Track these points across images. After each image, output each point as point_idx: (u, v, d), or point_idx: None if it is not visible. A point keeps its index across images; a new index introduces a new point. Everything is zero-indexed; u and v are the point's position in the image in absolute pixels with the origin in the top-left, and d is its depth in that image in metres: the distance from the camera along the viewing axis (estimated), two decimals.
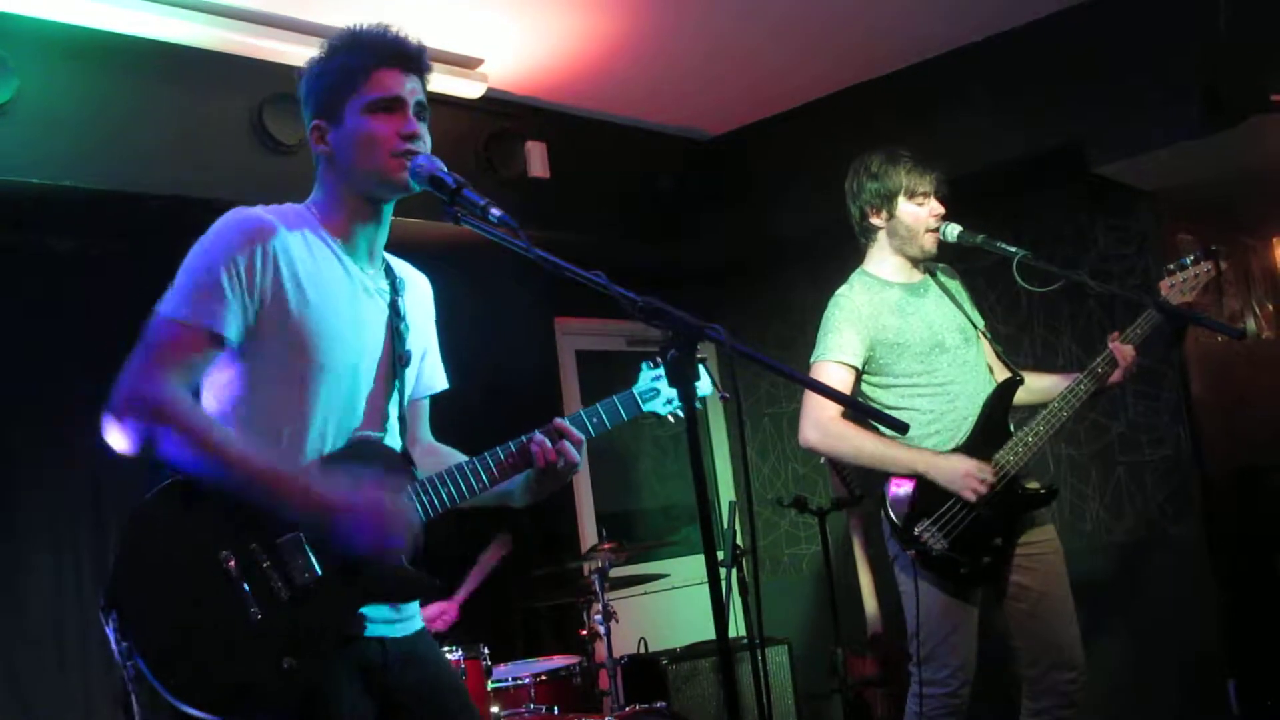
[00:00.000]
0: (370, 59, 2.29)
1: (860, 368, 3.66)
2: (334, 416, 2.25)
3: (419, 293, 2.52)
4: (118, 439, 2.11)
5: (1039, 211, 5.37)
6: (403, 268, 2.50)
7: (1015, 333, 5.50)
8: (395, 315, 2.39)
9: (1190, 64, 4.47)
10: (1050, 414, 3.58)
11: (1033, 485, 3.68)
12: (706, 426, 6.40)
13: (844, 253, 5.83)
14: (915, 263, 3.80)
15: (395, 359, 2.37)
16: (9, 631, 4.06)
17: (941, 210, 3.74)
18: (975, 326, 3.81)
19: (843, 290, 3.76)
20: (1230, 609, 3.94)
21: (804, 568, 6.12)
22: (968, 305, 3.87)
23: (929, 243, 3.74)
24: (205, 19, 4.01)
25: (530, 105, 5.17)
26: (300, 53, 4.26)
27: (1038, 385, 3.79)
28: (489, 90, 4.79)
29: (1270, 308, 6.23)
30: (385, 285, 2.40)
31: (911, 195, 3.71)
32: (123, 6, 3.84)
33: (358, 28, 2.33)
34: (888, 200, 3.73)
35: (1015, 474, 3.57)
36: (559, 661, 4.55)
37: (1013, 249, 3.63)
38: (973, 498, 3.48)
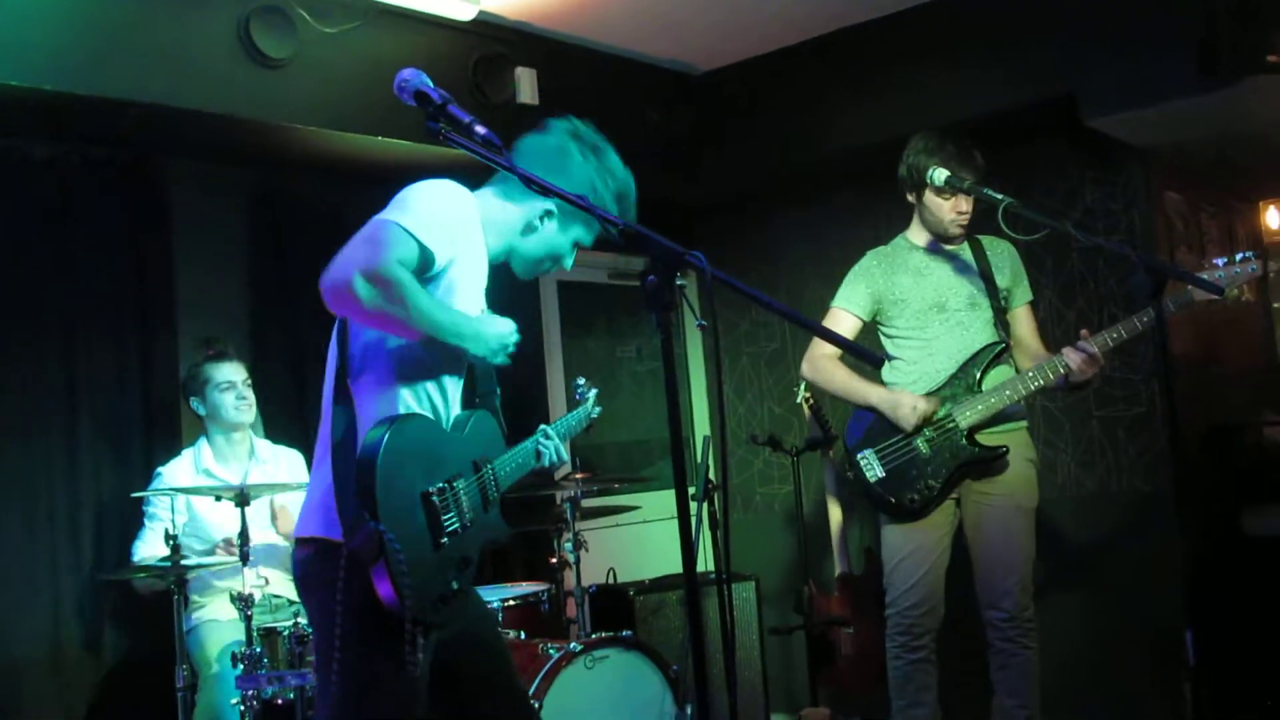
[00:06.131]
0: None
1: (866, 318, 4.06)
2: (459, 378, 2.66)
3: None
4: (340, 297, 2.31)
5: (1028, 164, 5.33)
6: None
7: None
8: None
9: (1188, 20, 4.43)
10: (1020, 381, 3.84)
11: (987, 441, 3.89)
12: (684, 361, 6.40)
13: (830, 196, 5.86)
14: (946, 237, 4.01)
15: None
16: None
17: (967, 209, 3.93)
18: (998, 296, 3.98)
19: (875, 248, 4.13)
20: (1194, 563, 4.02)
21: (776, 507, 6.15)
22: (1004, 276, 4.03)
23: (952, 230, 3.97)
24: None
25: (522, 30, 5.10)
26: None
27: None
28: (481, 13, 4.72)
29: None
30: None
31: (939, 190, 3.89)
32: None
33: None
34: (919, 185, 3.95)
35: (970, 427, 3.84)
36: (527, 588, 4.57)
37: (999, 196, 3.69)
38: (908, 426, 3.81)
